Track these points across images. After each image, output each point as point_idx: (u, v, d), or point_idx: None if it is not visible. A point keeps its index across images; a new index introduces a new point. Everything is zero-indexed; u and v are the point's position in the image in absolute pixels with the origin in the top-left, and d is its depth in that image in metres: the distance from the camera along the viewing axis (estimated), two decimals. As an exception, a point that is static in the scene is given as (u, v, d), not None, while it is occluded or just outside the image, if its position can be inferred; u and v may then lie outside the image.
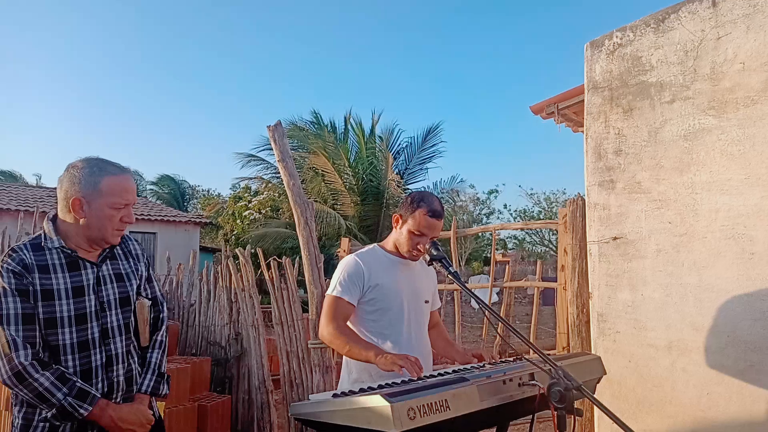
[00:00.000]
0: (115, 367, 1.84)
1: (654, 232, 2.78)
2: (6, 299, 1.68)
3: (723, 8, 2.59)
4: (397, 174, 17.56)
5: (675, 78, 2.76)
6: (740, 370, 2.47)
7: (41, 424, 1.73)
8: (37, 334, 1.70)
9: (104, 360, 1.81)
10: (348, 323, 2.25)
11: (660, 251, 2.75)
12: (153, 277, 2.08)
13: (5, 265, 1.70)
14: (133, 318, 1.94)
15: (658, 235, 2.77)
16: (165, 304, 2.10)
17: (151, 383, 1.95)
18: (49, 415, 1.69)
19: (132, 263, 1.96)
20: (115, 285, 1.87)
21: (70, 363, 1.74)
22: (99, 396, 1.76)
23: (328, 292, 2.24)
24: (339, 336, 2.14)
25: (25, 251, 1.73)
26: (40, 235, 1.80)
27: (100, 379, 1.80)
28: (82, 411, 1.70)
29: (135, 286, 1.95)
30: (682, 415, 2.62)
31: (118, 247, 1.91)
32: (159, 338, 2.04)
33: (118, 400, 1.84)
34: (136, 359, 1.94)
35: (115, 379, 1.83)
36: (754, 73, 2.49)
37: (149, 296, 2.02)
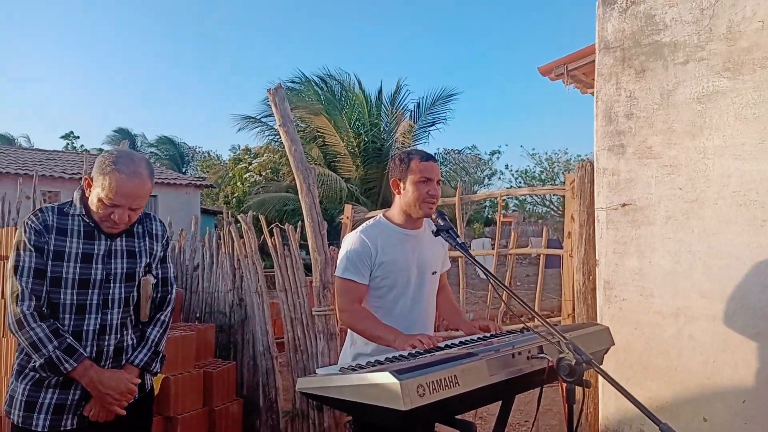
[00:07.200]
0: (107, 336, 1.90)
1: (664, 198, 2.73)
2: (24, 252, 1.82)
3: (743, -37, 2.47)
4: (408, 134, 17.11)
5: (689, 38, 2.66)
6: (748, 337, 2.45)
7: (31, 373, 1.84)
8: (44, 289, 1.82)
9: (98, 327, 1.88)
10: None
11: (669, 218, 2.70)
12: (168, 259, 2.13)
13: (30, 223, 1.85)
14: (136, 293, 1.99)
15: (667, 202, 2.71)
16: (174, 286, 2.14)
17: (145, 358, 1.99)
18: (37, 364, 1.78)
19: (148, 242, 2.03)
20: (125, 260, 1.95)
21: (66, 322, 1.84)
22: (86, 355, 1.84)
23: (338, 273, 2.20)
24: (358, 321, 2.15)
25: (49, 213, 1.87)
26: (70, 201, 1.93)
27: (89, 343, 1.87)
28: (66, 366, 1.78)
29: (144, 264, 2.01)
30: (688, 381, 2.62)
31: (139, 226, 2.01)
32: (162, 317, 2.08)
33: (105, 368, 1.90)
34: (130, 333, 1.99)
35: (105, 348, 1.90)
36: (774, 33, 2.39)
37: (159, 276, 2.07)
